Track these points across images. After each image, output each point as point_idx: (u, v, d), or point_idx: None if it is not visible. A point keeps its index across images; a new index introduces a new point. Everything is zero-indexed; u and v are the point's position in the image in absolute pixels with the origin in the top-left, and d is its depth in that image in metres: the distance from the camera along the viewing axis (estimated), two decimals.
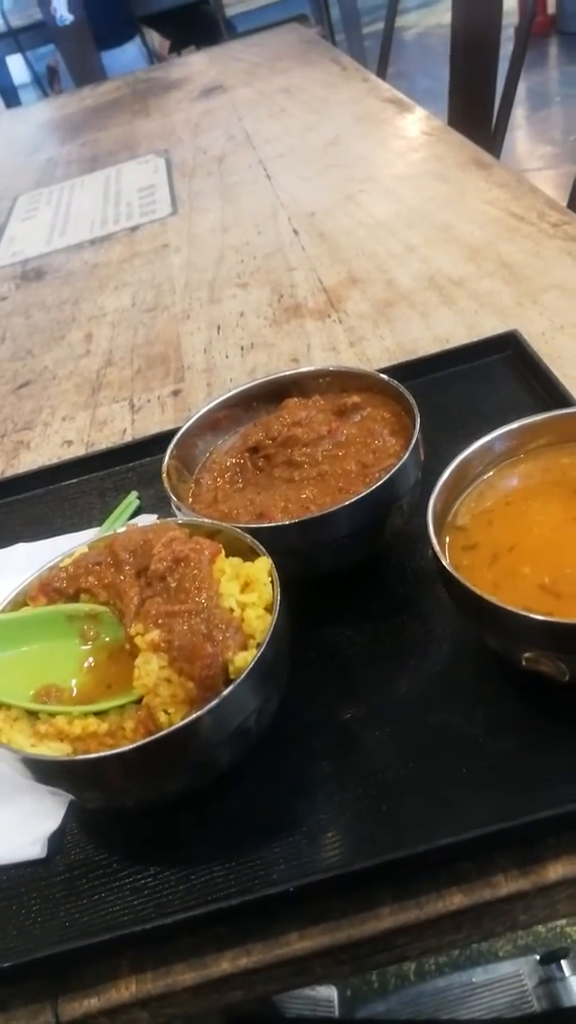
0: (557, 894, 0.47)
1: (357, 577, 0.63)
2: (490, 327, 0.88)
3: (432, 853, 0.46)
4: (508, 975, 1.39)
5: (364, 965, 0.48)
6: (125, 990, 0.47)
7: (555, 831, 0.46)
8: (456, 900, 0.46)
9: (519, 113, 4.62)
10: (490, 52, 2.01)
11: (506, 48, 2.02)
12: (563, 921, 1.57)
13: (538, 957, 1.39)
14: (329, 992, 1.29)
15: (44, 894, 0.51)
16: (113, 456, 0.86)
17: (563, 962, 1.35)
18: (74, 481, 0.85)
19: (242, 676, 0.47)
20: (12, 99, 4.46)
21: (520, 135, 4.44)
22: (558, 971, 1.34)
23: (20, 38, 4.33)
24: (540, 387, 0.76)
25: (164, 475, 0.64)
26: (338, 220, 1.27)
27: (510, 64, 1.89)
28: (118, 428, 0.95)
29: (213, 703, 0.46)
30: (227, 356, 1.02)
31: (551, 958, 1.35)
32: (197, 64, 2.68)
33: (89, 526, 0.77)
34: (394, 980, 1.53)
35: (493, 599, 0.47)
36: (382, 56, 2.44)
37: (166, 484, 0.63)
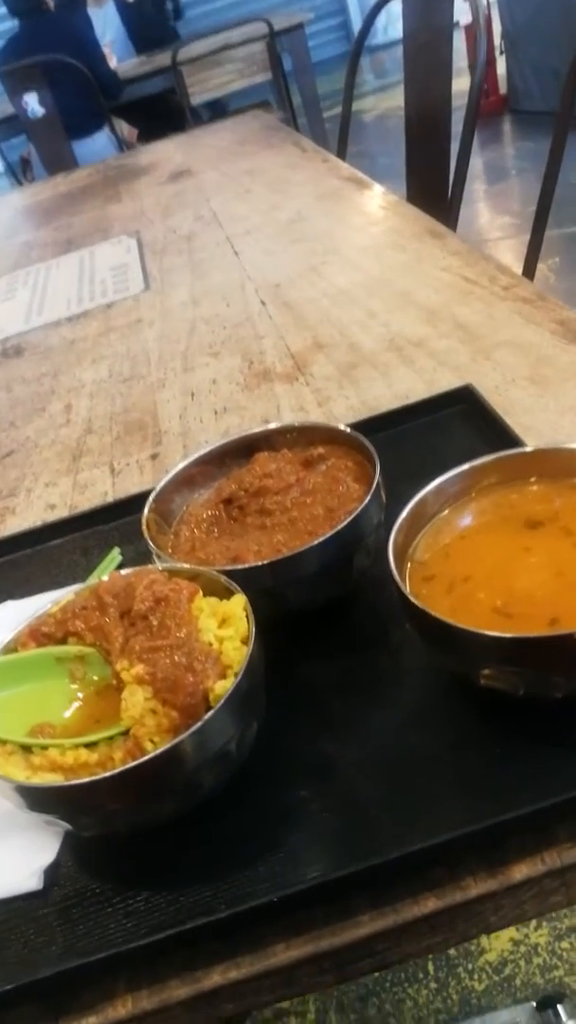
0: (523, 894, 0.50)
1: (329, 615, 0.67)
2: (447, 383, 0.94)
3: (405, 859, 0.49)
4: (506, 1023, 1.39)
5: (347, 973, 0.51)
6: (122, 1007, 0.49)
7: (518, 833, 0.50)
8: (430, 904, 0.49)
9: (479, 187, 4.83)
10: (442, 133, 2.13)
11: (461, 127, 2.14)
12: (561, 971, 1.58)
13: (534, 1004, 1.39)
14: None
15: (41, 923, 0.53)
16: (95, 516, 0.90)
17: (559, 1007, 1.35)
18: (59, 541, 0.89)
19: (222, 702, 0.51)
20: None
21: (481, 207, 4.62)
22: (555, 1016, 1.35)
23: None
24: (494, 435, 0.81)
25: (144, 527, 0.68)
26: (302, 291, 1.34)
27: (460, 143, 2.00)
28: (99, 491, 0.99)
29: (195, 727, 0.49)
30: (201, 420, 1.07)
31: (547, 1003, 1.36)
32: (165, 150, 2.80)
33: (75, 582, 0.81)
34: None
35: (451, 621, 0.51)
36: (341, 137, 2.57)
37: (146, 535, 0.68)
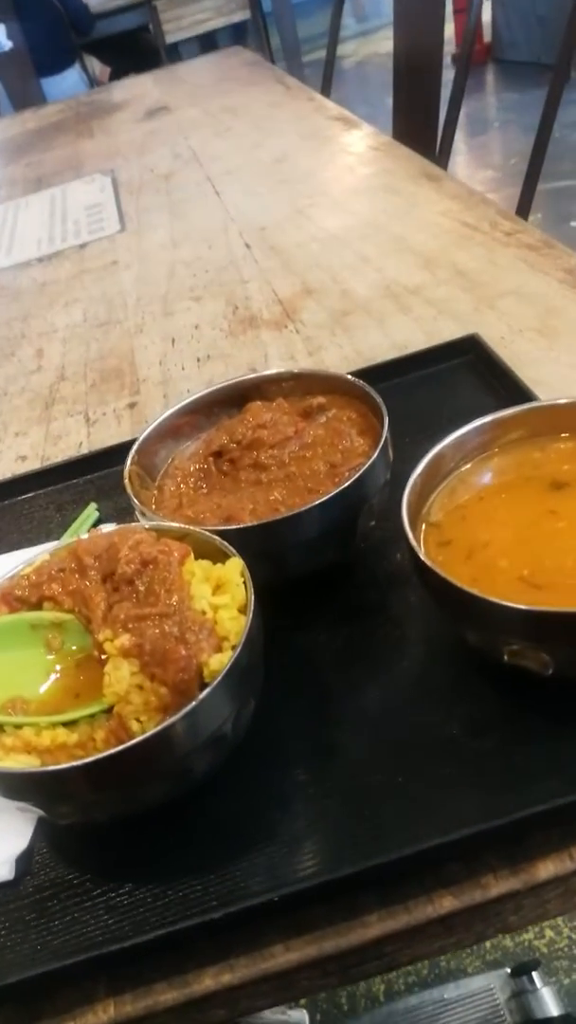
0: (547, 893, 0.45)
1: (329, 581, 0.62)
2: (448, 332, 0.88)
3: (419, 856, 0.44)
4: (480, 990, 1.37)
5: (352, 976, 0.46)
6: (103, 1013, 0.44)
7: (543, 828, 0.45)
8: (446, 903, 0.44)
9: (459, 138, 4.70)
10: (432, 77, 2.04)
11: (445, 75, 2.05)
12: (531, 935, 1.56)
13: (509, 970, 1.37)
14: (300, 1016, 1.26)
15: (13, 917, 0.48)
16: (70, 469, 0.84)
17: (534, 974, 1.34)
18: (30, 495, 0.83)
19: (218, 679, 0.45)
20: None
21: (461, 160, 4.51)
22: (529, 983, 1.33)
23: None
24: (503, 389, 0.76)
25: (126, 481, 0.62)
26: (290, 234, 1.27)
27: (452, 88, 1.92)
28: (73, 442, 0.93)
29: (189, 707, 0.44)
30: (183, 368, 1.01)
31: (522, 970, 1.34)
32: (140, 86, 2.68)
33: (48, 539, 0.75)
34: (364, 1002, 1.51)
35: (475, 591, 0.46)
36: (325, 77, 2.47)
37: (129, 490, 0.61)
